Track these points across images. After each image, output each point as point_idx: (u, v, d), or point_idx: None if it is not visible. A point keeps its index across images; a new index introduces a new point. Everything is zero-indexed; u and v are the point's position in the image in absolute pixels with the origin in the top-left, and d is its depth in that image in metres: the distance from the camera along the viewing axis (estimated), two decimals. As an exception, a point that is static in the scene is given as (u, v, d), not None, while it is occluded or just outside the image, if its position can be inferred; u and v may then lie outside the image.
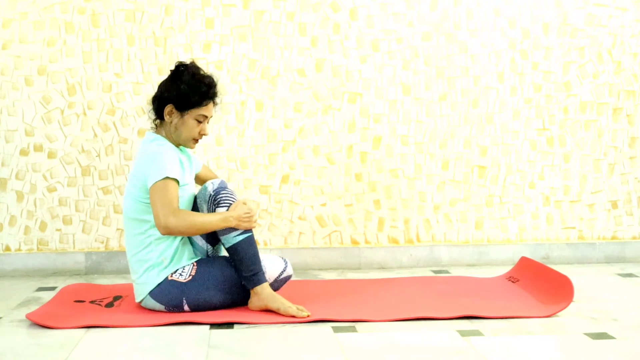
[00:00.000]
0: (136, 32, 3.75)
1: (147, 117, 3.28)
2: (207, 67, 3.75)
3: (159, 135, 3.00)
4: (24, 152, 3.74)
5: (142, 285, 2.94)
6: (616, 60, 3.98)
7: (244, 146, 3.82)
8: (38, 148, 3.74)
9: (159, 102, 2.98)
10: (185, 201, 2.99)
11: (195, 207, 3.01)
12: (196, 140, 3.02)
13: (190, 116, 2.95)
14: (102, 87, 3.74)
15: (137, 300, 2.99)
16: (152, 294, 2.91)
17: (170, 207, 2.82)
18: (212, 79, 2.98)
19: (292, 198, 3.86)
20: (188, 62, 3.02)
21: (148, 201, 2.90)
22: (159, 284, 2.91)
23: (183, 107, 2.94)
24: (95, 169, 3.76)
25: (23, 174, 3.74)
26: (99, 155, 3.76)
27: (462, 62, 3.90)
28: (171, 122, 2.97)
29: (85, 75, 3.74)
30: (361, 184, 3.89)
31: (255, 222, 2.92)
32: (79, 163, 3.76)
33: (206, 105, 2.97)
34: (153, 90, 3.70)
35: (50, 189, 3.75)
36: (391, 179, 3.90)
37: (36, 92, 3.72)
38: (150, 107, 3.03)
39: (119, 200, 3.77)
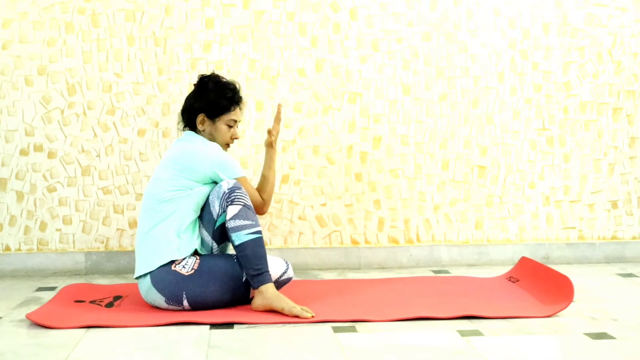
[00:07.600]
0: (136, 32, 3.75)
1: (175, 129, 3.62)
2: (207, 67, 3.75)
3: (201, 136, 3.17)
4: (24, 152, 3.74)
5: (146, 257, 2.98)
6: (616, 60, 3.98)
7: (244, 146, 3.82)
8: (38, 148, 3.74)
9: (190, 113, 3.17)
10: (201, 197, 3.03)
11: (207, 203, 3.04)
12: (229, 145, 3.20)
13: (222, 122, 3.15)
14: (102, 87, 3.74)
15: (136, 275, 3.02)
16: (155, 282, 2.94)
17: (256, 195, 3.14)
18: (235, 85, 3.20)
19: (292, 198, 3.86)
20: (209, 73, 3.22)
21: (183, 186, 3.00)
22: (162, 267, 2.94)
23: (214, 114, 3.13)
24: (95, 169, 3.77)
25: (23, 174, 3.74)
26: (99, 155, 3.76)
27: (462, 62, 3.90)
28: (204, 130, 3.15)
29: (85, 75, 3.74)
30: (361, 184, 3.89)
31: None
32: (79, 163, 3.76)
33: (234, 110, 3.16)
34: (153, 90, 3.74)
35: (50, 189, 3.75)
36: (391, 179, 3.90)
37: (36, 92, 3.72)
38: (180, 119, 3.20)
39: (119, 200, 3.77)
